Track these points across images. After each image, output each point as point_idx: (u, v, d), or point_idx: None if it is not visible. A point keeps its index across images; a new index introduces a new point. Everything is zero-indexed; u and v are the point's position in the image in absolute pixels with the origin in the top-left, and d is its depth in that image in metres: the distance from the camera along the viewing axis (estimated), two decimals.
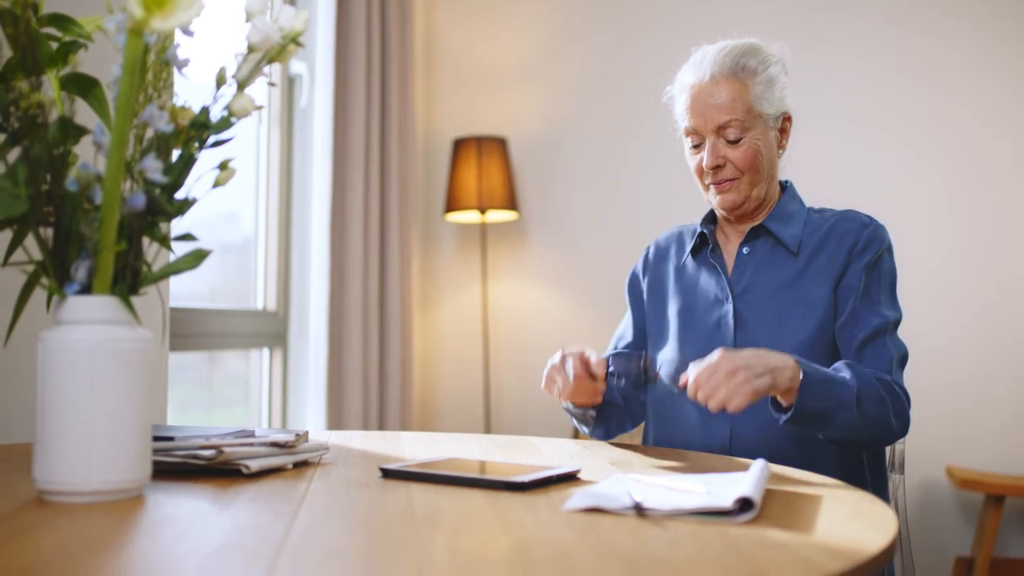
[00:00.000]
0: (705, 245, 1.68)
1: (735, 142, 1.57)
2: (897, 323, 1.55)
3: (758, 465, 1.10)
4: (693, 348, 1.60)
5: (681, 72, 1.64)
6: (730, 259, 1.66)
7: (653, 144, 3.50)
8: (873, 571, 0.79)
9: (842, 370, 1.43)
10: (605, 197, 3.61)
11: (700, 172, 1.61)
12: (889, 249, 1.59)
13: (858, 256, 1.56)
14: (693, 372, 1.33)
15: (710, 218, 1.71)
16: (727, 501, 0.92)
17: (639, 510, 0.93)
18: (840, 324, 1.54)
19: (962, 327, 3.21)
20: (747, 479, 1.02)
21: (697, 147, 1.60)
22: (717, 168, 1.58)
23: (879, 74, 3.32)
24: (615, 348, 1.78)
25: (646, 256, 1.80)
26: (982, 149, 3.24)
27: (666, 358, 1.65)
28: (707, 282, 1.65)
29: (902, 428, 1.46)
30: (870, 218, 1.61)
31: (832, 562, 0.77)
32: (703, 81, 1.58)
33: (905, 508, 1.61)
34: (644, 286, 1.76)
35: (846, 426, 1.40)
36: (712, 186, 1.61)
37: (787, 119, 1.63)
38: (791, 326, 1.54)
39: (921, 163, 3.29)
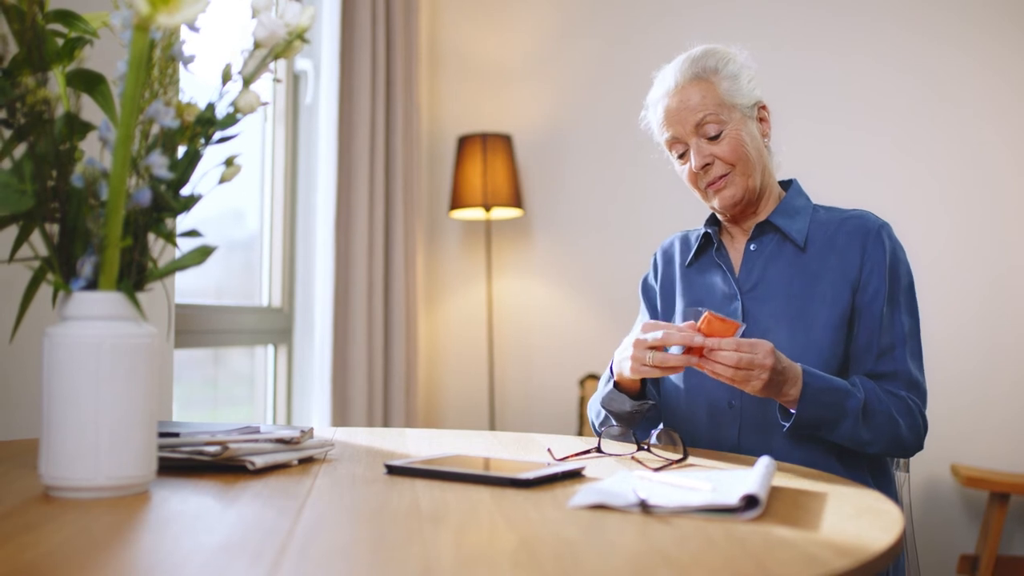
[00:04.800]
0: (710, 246, 1.69)
1: (716, 137, 1.57)
2: (916, 331, 1.56)
3: (763, 462, 1.10)
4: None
5: (649, 95, 1.67)
6: (736, 257, 1.66)
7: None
8: (879, 569, 0.79)
9: (854, 383, 1.47)
10: (610, 194, 3.61)
11: (693, 178, 1.61)
12: (902, 250, 1.60)
13: (872, 259, 1.55)
14: (731, 355, 1.34)
15: (713, 219, 1.71)
16: (733, 498, 0.92)
17: (644, 507, 0.93)
18: (861, 335, 1.54)
19: (964, 325, 3.20)
20: (753, 476, 1.02)
21: (683, 156, 1.61)
22: (707, 167, 1.58)
23: (878, 73, 3.31)
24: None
25: (654, 263, 1.80)
26: (980, 148, 3.23)
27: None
28: (714, 281, 1.66)
29: (916, 443, 1.50)
30: (879, 218, 1.61)
31: (838, 559, 0.77)
32: (670, 91, 1.60)
33: (910, 506, 1.61)
34: (657, 290, 1.76)
35: (851, 436, 1.45)
36: (708, 188, 1.60)
37: (763, 108, 1.63)
38: (809, 322, 1.54)
39: (919, 162, 3.28)
